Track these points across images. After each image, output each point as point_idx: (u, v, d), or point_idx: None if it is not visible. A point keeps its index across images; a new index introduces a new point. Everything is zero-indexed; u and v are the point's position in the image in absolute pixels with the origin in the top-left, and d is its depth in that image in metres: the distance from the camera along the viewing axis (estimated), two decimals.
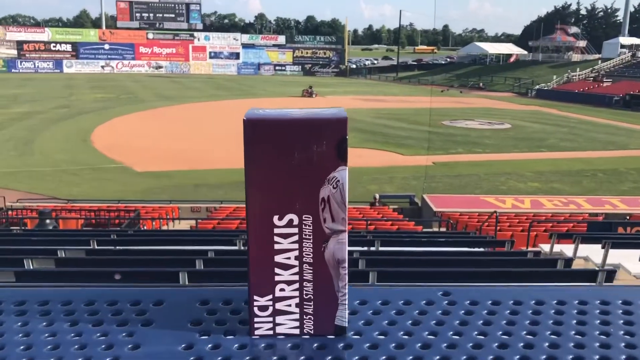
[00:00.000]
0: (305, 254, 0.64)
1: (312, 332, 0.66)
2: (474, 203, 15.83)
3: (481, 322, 0.67)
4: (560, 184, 20.38)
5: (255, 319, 0.66)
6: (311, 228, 0.63)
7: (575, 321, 0.67)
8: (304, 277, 0.65)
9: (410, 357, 0.60)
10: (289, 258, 0.65)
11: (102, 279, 4.43)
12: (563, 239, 7.98)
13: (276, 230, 0.63)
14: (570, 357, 0.60)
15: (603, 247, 6.26)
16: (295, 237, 0.64)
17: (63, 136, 28.02)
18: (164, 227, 13.06)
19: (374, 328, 0.66)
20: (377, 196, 16.41)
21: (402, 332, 0.65)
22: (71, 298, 0.75)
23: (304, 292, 0.66)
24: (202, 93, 50.02)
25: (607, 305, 0.70)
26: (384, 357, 0.60)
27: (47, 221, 10.96)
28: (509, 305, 0.71)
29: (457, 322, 0.67)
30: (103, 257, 5.80)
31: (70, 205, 14.75)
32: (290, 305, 0.66)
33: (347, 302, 0.66)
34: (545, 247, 7.95)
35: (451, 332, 0.65)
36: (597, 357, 0.60)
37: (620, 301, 0.73)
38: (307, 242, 0.64)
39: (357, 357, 0.61)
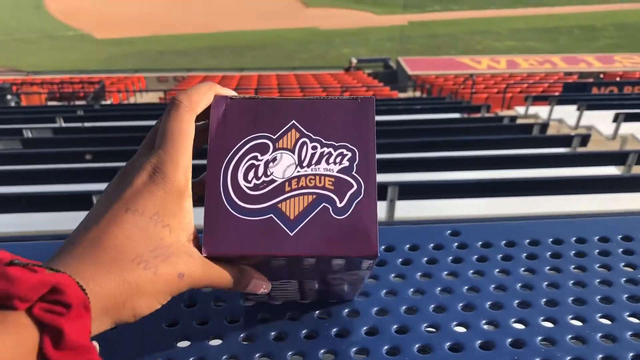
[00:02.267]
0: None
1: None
2: (450, 65, 15.59)
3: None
4: (536, 42, 20.08)
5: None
6: None
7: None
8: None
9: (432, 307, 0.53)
10: None
11: (72, 159, 4.30)
12: (538, 101, 7.98)
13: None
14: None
15: (578, 110, 6.28)
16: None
17: (13, 1, 25.99)
18: (131, 99, 12.68)
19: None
20: (354, 60, 15.96)
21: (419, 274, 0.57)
22: None
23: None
24: None
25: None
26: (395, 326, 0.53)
27: (9, 97, 10.48)
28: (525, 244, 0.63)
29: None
30: (72, 136, 5.61)
31: (30, 78, 14.09)
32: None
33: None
34: (520, 110, 7.97)
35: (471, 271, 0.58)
36: None
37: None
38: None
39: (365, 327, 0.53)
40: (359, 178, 0.41)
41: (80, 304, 0.33)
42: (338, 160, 0.42)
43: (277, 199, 0.41)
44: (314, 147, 0.42)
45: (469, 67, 15.19)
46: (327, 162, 0.42)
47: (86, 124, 6.39)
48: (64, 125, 6.51)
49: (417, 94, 12.19)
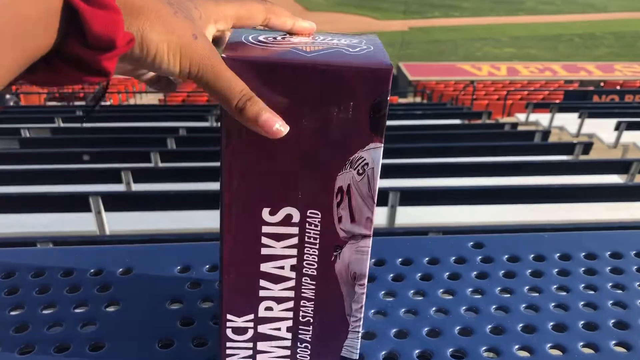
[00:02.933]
0: (307, 264, 0.45)
1: None
2: (450, 71, 15.58)
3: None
4: (537, 50, 20.09)
5: (228, 344, 0.47)
6: (318, 229, 0.44)
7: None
8: (302, 294, 0.46)
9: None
10: (282, 268, 0.45)
11: (70, 160, 4.25)
12: (539, 108, 7.95)
13: (265, 229, 0.44)
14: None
15: (580, 117, 6.26)
16: (294, 240, 0.44)
17: None
18: (131, 101, 12.63)
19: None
20: None
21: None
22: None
23: (301, 313, 0.47)
24: None
25: None
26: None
27: (7, 96, 10.42)
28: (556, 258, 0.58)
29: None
30: (70, 136, 5.57)
31: None
32: (279, 330, 0.48)
33: (361, 330, 0.48)
34: (521, 117, 7.94)
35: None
36: None
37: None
38: (311, 248, 0.45)
39: None
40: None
41: None
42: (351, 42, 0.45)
43: (294, 45, 0.43)
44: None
45: (469, 73, 15.18)
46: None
47: (85, 125, 6.34)
48: (62, 125, 6.46)
49: (418, 99, 12.17)
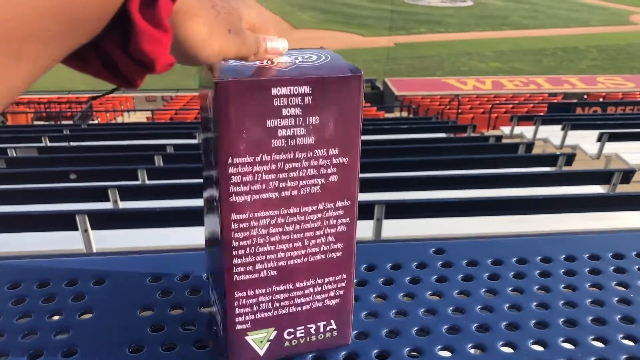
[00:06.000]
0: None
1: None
2: (436, 85, 15.73)
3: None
4: (521, 64, 20.36)
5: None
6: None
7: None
8: None
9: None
10: None
11: (57, 179, 4.24)
12: (523, 121, 8.05)
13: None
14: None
15: (563, 129, 6.35)
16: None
17: None
18: (119, 119, 12.62)
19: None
20: None
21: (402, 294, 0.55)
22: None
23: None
24: None
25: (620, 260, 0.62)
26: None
27: None
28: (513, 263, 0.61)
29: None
30: (57, 155, 5.56)
31: (17, 98, 13.97)
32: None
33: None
34: (506, 130, 8.03)
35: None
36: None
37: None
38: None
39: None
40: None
41: None
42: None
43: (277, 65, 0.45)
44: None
45: (454, 87, 15.33)
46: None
47: (72, 143, 6.33)
48: (49, 144, 6.44)
49: (404, 114, 12.27)
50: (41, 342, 0.51)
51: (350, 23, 26.69)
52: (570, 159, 4.56)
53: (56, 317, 0.54)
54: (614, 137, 5.41)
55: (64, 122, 10.44)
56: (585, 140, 6.18)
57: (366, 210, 2.58)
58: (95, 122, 11.25)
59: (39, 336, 0.52)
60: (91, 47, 0.32)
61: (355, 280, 0.51)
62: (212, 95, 0.42)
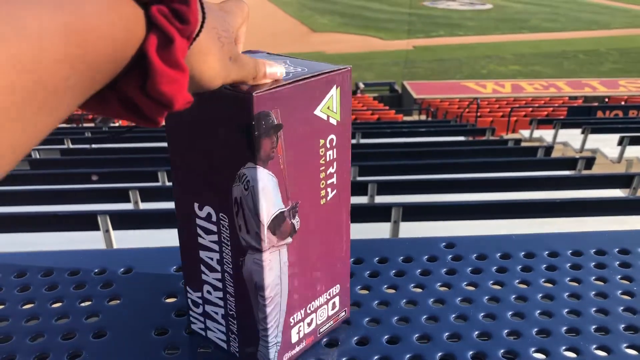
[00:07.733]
0: (226, 262, 0.49)
1: (237, 354, 0.52)
2: (455, 89, 15.67)
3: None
4: (541, 67, 20.17)
5: (190, 312, 0.54)
6: (228, 232, 0.48)
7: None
8: (227, 290, 0.50)
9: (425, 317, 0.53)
10: (211, 259, 0.50)
11: (79, 180, 4.33)
12: (543, 124, 7.99)
13: (198, 222, 0.49)
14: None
15: (583, 133, 6.29)
16: (215, 237, 0.49)
17: None
18: None
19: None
20: (361, 85, 16.10)
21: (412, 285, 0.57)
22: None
23: (228, 306, 0.51)
24: None
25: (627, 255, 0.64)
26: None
27: None
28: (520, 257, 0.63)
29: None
30: (79, 157, 5.66)
31: None
32: (217, 314, 0.52)
33: (271, 340, 0.49)
34: (525, 133, 7.97)
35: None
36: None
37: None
38: (226, 248, 0.48)
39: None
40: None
41: (196, 24, 0.32)
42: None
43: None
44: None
45: (474, 91, 15.27)
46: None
47: (94, 146, 6.45)
48: (71, 146, 6.57)
49: (422, 117, 12.24)
50: (73, 325, 0.55)
51: (369, 26, 26.71)
52: (590, 162, 4.52)
53: (87, 303, 0.58)
54: (635, 141, 5.34)
55: (85, 125, 10.63)
56: (606, 144, 6.11)
57: (383, 213, 2.60)
58: (117, 124, 11.42)
59: (70, 319, 0.56)
60: (109, 90, 0.32)
61: (367, 272, 0.54)
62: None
